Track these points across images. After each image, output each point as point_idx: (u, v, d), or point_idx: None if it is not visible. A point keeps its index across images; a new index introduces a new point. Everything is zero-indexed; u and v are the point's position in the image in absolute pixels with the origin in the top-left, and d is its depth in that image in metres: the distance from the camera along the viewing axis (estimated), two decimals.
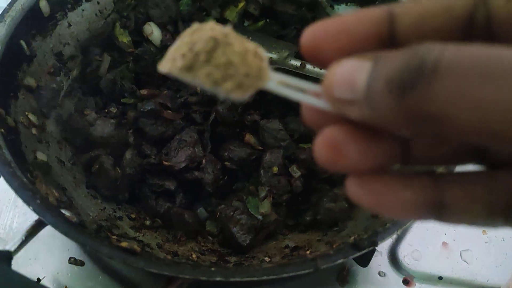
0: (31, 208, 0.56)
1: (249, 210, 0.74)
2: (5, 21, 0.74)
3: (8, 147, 0.64)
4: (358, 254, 0.58)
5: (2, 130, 0.66)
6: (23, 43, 0.78)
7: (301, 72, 0.83)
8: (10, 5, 0.76)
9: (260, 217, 0.73)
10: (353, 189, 0.25)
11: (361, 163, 0.25)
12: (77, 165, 0.79)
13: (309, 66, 0.84)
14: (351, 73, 0.22)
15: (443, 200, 0.25)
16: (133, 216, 0.77)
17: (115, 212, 0.77)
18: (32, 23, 0.79)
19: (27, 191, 0.58)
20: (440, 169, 0.28)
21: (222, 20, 0.97)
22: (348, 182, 0.26)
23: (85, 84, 0.87)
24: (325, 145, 0.25)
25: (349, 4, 0.97)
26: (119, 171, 0.76)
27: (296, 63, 0.85)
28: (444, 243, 0.88)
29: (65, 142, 0.80)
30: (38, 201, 0.57)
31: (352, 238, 0.63)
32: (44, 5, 0.81)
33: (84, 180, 0.78)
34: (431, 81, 0.20)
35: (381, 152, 0.26)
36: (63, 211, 0.63)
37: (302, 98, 0.26)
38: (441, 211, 0.25)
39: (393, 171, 0.26)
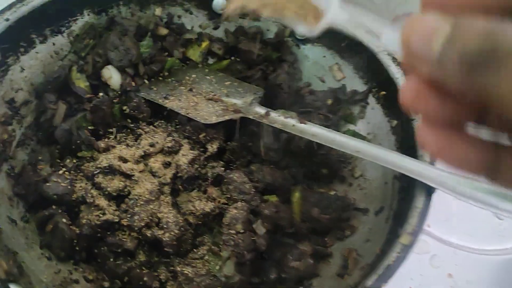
0: None
1: (211, 271, 0.72)
2: None
3: None
4: None
5: None
6: None
7: (264, 122, 0.81)
8: None
9: (223, 278, 0.71)
10: (424, 134, 0.28)
11: (438, 112, 0.27)
12: (30, 223, 0.75)
13: (273, 114, 0.82)
14: (430, 33, 0.23)
15: (498, 166, 0.27)
16: (90, 277, 0.74)
17: (71, 274, 0.73)
18: None
19: None
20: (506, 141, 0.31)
21: (185, 60, 0.94)
22: (421, 128, 0.28)
23: (39, 131, 0.82)
24: (411, 89, 0.27)
25: (315, 44, 0.96)
26: (75, 230, 0.73)
27: (261, 110, 0.83)
28: None
29: (17, 198, 0.76)
30: None
31: None
32: None
33: (38, 240, 0.74)
34: (500, 68, 0.21)
35: (457, 108, 0.27)
36: (11, 286, 0.60)
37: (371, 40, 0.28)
38: (494, 175, 0.28)
39: (463, 130, 0.28)
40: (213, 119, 0.81)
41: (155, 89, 0.87)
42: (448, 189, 0.69)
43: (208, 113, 0.82)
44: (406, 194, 0.73)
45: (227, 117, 0.82)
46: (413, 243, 0.65)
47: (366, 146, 0.75)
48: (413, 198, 0.70)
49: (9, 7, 0.78)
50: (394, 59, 0.84)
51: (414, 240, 0.65)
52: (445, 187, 0.69)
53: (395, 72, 0.83)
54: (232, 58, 0.97)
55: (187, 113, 0.82)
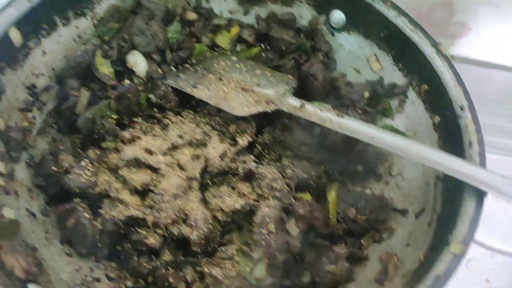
0: None
1: (241, 273, 0.68)
2: None
3: None
4: None
5: None
6: None
7: (299, 115, 0.76)
8: None
9: (254, 281, 0.67)
10: None
11: None
12: (50, 217, 0.71)
13: (309, 107, 0.76)
14: None
15: None
16: (112, 276, 0.70)
17: (92, 271, 0.69)
18: (0, 55, 0.70)
19: None
20: None
21: (213, 47, 0.89)
22: None
23: (61, 119, 0.78)
24: None
25: (351, 33, 0.90)
26: (98, 226, 0.69)
27: (296, 103, 0.77)
28: None
29: (37, 189, 0.72)
30: None
31: None
32: (15, 34, 0.72)
33: (58, 234, 0.70)
34: None
35: None
36: (30, 286, 0.56)
37: None
38: None
39: None
40: (246, 111, 0.76)
41: (183, 77, 0.82)
42: (500, 193, 0.63)
43: (239, 104, 0.77)
44: (453, 197, 0.67)
45: (260, 109, 0.77)
46: (465, 253, 0.60)
47: (410, 144, 0.70)
48: (462, 202, 0.65)
49: None
50: (438, 51, 0.78)
51: (466, 250, 0.60)
52: (497, 191, 0.63)
53: (440, 65, 0.77)
54: (263, 46, 0.92)
55: (217, 104, 0.77)
